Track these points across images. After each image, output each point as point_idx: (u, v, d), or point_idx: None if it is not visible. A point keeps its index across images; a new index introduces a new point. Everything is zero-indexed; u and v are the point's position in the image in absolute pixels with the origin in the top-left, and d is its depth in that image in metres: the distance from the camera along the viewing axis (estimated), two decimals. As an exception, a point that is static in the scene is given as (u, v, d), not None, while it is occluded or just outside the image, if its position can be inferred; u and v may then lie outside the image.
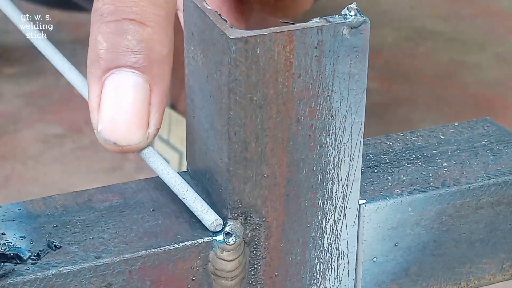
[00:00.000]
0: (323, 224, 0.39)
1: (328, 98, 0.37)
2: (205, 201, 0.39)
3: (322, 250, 0.40)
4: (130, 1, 0.41)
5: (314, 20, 0.36)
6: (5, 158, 1.15)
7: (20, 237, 0.37)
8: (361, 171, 0.39)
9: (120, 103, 0.38)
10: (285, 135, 0.37)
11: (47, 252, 0.36)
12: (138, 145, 0.38)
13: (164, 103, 0.39)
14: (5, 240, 0.37)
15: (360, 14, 0.36)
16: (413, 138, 0.46)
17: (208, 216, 0.38)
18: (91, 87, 0.39)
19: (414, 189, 0.41)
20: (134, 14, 0.40)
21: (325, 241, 0.40)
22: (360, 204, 0.40)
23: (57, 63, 0.43)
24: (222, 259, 0.38)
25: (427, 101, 1.32)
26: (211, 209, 0.38)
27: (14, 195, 1.07)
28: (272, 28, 0.35)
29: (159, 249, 0.37)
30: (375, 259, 0.41)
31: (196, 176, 0.41)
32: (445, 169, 0.43)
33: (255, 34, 0.35)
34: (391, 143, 0.46)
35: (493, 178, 0.43)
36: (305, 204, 0.39)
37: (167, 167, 0.39)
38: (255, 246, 0.39)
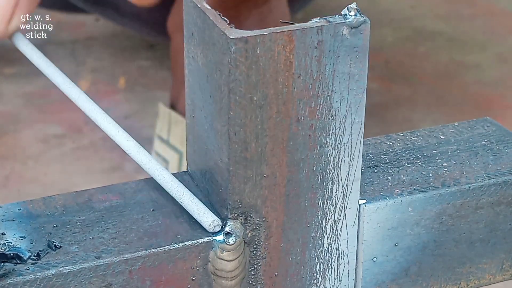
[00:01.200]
0: (323, 224, 0.39)
1: (328, 98, 0.37)
2: (205, 201, 0.39)
3: (322, 250, 0.40)
4: None
5: (314, 20, 0.36)
6: (5, 158, 1.15)
7: (20, 237, 0.37)
8: (361, 171, 0.39)
9: None
10: (285, 135, 0.37)
11: (47, 252, 0.36)
12: None
13: (29, 9, 0.55)
14: (5, 240, 0.37)
15: (360, 14, 0.36)
16: (413, 138, 0.46)
17: (206, 218, 0.38)
18: None
19: (414, 189, 0.41)
20: None
21: (325, 241, 0.40)
22: (360, 204, 0.40)
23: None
24: (222, 259, 0.38)
25: (427, 101, 1.32)
26: (208, 210, 0.38)
27: (14, 195, 1.06)
28: (272, 28, 0.35)
29: (159, 249, 0.37)
30: (375, 259, 0.41)
31: (196, 176, 0.41)
32: (445, 169, 0.43)
33: (255, 34, 0.35)
34: (391, 143, 0.46)
35: (493, 178, 0.43)
36: (305, 204, 0.39)
37: (163, 171, 0.39)
38: (255, 246, 0.39)
